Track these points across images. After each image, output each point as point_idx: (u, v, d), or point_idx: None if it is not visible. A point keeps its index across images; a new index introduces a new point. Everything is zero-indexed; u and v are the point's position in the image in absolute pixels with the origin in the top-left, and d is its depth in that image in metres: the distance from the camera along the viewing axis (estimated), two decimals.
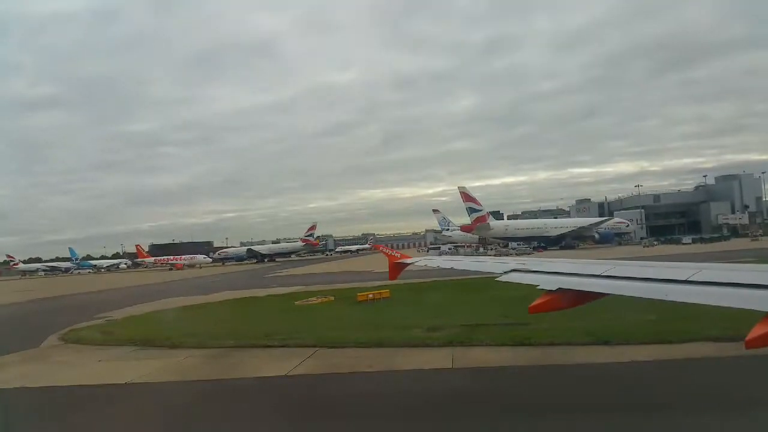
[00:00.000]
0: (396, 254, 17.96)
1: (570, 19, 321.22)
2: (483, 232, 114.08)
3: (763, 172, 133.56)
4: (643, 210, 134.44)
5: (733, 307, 5.40)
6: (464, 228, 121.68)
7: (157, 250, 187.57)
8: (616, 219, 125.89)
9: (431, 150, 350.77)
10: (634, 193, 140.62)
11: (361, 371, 15.00)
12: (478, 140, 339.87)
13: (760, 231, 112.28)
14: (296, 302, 32.70)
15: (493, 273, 10.33)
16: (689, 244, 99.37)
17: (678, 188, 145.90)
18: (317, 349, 18.25)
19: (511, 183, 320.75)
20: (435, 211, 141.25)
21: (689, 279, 6.40)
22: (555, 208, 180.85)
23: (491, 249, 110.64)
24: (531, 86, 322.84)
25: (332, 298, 33.95)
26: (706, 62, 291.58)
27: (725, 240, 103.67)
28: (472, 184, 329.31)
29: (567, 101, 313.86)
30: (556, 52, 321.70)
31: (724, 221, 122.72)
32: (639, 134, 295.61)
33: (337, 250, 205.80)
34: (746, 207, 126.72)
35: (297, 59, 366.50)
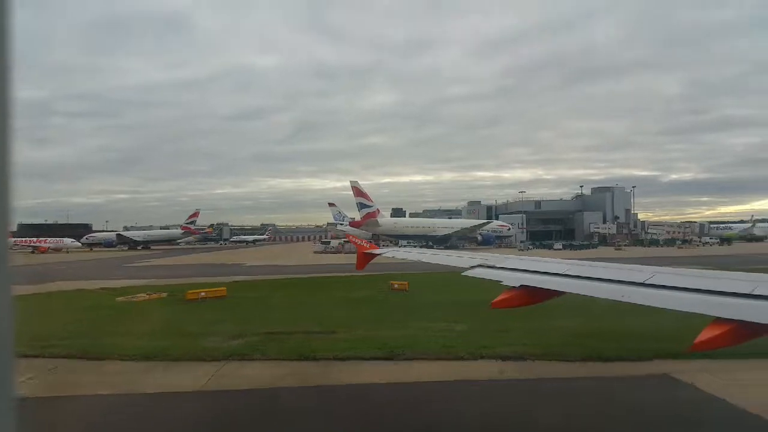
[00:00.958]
0: (365, 244, 17.86)
1: (486, 29, 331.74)
2: (371, 228, 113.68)
3: (633, 187, 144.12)
4: (524, 215, 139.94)
5: (683, 311, 5.51)
6: (353, 224, 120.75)
7: (27, 230, 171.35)
8: (498, 222, 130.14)
9: (345, 143, 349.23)
10: (518, 199, 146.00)
11: (74, 394, 13.13)
12: (392, 137, 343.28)
13: (626, 241, 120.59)
14: (119, 299, 29.91)
15: (458, 267, 10.38)
16: (560, 249, 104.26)
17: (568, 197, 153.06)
18: (65, 360, 16.28)
19: (418, 182, 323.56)
20: (331, 204, 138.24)
21: (645, 282, 6.62)
22: (454, 208, 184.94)
23: (382, 245, 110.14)
24: (445, 89, 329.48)
25: (164, 294, 31.49)
26: (603, 81, 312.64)
27: (593, 248, 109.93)
28: (381, 180, 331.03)
29: (476, 107, 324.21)
30: (470, 59, 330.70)
31: (596, 230, 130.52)
32: (538, 143, 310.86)
33: (232, 239, 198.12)
34: (616, 218, 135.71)
35: (215, 38, 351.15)
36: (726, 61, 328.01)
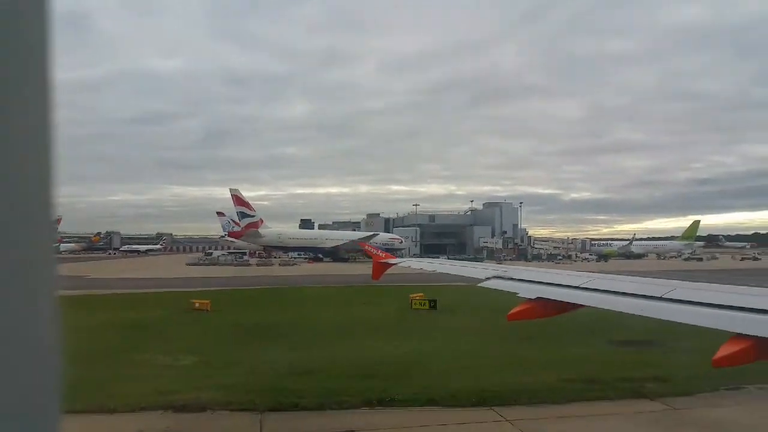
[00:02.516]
0: (380, 254, 17.69)
1: (400, 46, 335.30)
2: (253, 238, 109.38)
3: (520, 203, 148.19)
4: (418, 228, 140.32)
5: (703, 326, 5.56)
6: (233, 234, 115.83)
7: None
8: (389, 235, 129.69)
9: (257, 152, 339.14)
10: (413, 212, 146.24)
11: None
12: (307, 148, 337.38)
13: (513, 255, 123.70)
14: None
15: (475, 278, 10.42)
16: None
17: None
18: None
19: (334, 193, 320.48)
20: (219, 213, 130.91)
21: (663, 296, 6.58)
22: (357, 221, 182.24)
23: (276, 257, 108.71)
24: (361, 102, 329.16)
25: None
26: (509, 102, 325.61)
27: (478, 261, 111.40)
28: (296, 191, 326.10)
29: (392, 121, 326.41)
30: (385, 74, 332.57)
31: (484, 244, 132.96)
32: (451, 160, 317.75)
33: (122, 249, 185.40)
34: (504, 232, 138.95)
35: (114, 39, 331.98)
36: (622, 89, 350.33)
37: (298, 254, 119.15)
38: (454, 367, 18.17)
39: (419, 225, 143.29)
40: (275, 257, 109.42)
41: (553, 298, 7.65)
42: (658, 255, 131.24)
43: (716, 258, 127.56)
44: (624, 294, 7.23)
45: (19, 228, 1.18)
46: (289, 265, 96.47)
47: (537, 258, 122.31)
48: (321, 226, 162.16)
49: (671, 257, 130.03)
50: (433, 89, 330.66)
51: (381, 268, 15.65)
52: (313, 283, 55.78)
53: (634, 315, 6.63)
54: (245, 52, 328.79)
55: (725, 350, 4.99)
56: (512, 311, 7.64)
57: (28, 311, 1.19)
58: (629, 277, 9.02)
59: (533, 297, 7.78)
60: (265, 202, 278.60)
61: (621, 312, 6.81)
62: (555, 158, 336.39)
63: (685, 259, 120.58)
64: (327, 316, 30.36)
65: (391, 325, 27.63)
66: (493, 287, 9.37)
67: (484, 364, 18.65)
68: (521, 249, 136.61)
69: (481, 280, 9.98)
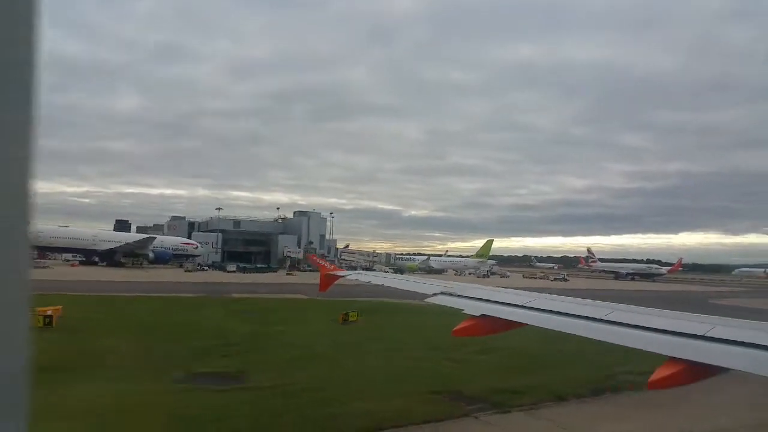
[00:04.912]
0: (328, 266, 19.28)
1: (246, 50, 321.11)
2: None
3: (330, 213, 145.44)
4: (220, 234, 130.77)
5: (639, 349, 5.91)
6: None
7: None
8: (182, 239, 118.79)
9: (81, 144, 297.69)
10: (216, 216, 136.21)
11: None
12: (139, 145, 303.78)
13: (309, 267, 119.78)
14: None
15: (421, 294, 10.60)
16: (233, 272, 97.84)
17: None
18: None
19: (168, 195, 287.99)
20: None
21: (603, 318, 6.86)
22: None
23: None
24: (201, 102, 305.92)
25: None
26: (355, 119, 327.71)
27: (272, 271, 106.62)
28: (125, 190, 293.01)
29: (235, 125, 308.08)
30: (227, 76, 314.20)
31: (288, 254, 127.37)
32: (297, 169, 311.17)
33: None
34: (310, 242, 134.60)
35: None
36: (460, 116, 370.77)
37: (73, 256, 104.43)
38: None
39: (222, 231, 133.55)
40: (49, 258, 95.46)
41: (496, 316, 7.77)
42: (456, 271, 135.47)
43: (507, 275, 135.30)
44: (566, 314, 7.39)
45: None
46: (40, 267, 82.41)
47: (350, 269, 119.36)
48: (140, 229, 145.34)
49: (469, 273, 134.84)
50: (279, 97, 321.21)
51: (328, 280, 15.51)
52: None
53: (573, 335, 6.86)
54: (75, 39, 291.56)
55: (660, 373, 5.23)
56: (457, 327, 7.84)
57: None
58: (570, 297, 9.04)
59: (478, 314, 7.85)
60: (87, 200, 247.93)
61: (563, 332, 6.95)
62: (397, 176, 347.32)
63: (483, 276, 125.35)
64: None
65: None
66: (439, 303, 9.61)
67: None
68: (328, 260, 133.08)
69: (428, 296, 10.10)
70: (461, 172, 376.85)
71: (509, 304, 8.25)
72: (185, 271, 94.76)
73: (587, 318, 7.01)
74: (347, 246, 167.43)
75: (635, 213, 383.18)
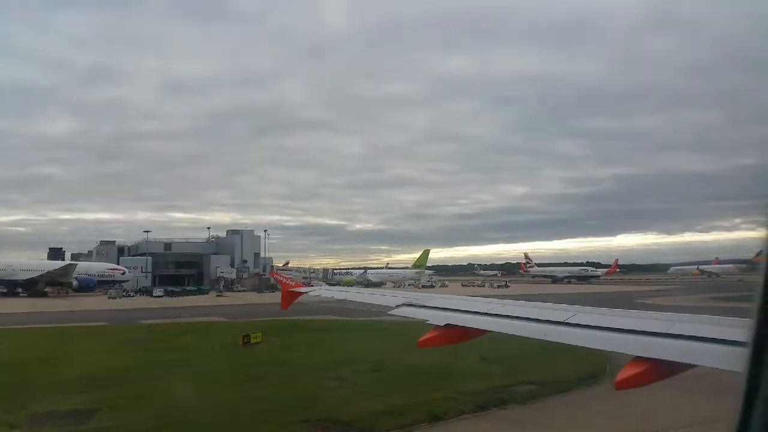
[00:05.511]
0: (290, 282, 17.75)
1: (179, 67, 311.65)
2: None
3: (265, 230, 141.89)
4: (149, 258, 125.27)
5: (604, 350, 6.07)
6: None
7: None
8: (108, 265, 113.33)
9: (10, 171, 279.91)
10: (145, 239, 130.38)
11: None
12: (71, 169, 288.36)
13: (244, 287, 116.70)
14: None
15: (385, 306, 10.52)
16: (160, 296, 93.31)
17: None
18: None
19: (106, 220, 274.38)
20: None
21: (567, 321, 6.83)
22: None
23: None
24: (134, 123, 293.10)
25: None
26: (294, 134, 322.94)
27: (203, 293, 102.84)
28: (61, 217, 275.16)
29: (171, 146, 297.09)
30: (160, 96, 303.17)
31: (221, 274, 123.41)
32: (237, 187, 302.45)
33: None
34: (244, 261, 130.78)
35: None
36: (399, 128, 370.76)
37: None
38: None
39: (152, 254, 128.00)
40: None
41: (461, 324, 7.75)
42: (394, 283, 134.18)
43: (446, 285, 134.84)
44: (529, 319, 7.33)
45: None
46: None
47: (271, 288, 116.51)
48: (74, 256, 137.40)
49: (409, 285, 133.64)
50: (216, 116, 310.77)
51: (291, 296, 15.21)
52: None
53: (534, 339, 6.79)
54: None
55: (626, 372, 5.21)
56: (422, 338, 7.66)
57: None
58: (533, 302, 8.94)
59: (442, 324, 7.79)
60: (22, 229, 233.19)
61: (527, 337, 6.95)
62: (340, 190, 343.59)
63: (428, 286, 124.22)
64: None
65: None
66: (403, 315, 9.44)
67: None
68: (264, 278, 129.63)
69: (392, 308, 9.94)
70: (403, 185, 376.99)
71: (473, 312, 8.22)
72: (108, 298, 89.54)
73: (551, 322, 6.95)
74: (287, 263, 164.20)
75: (574, 217, 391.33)
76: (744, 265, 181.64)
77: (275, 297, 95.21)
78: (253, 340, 32.27)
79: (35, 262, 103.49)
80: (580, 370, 24.31)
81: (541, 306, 8.28)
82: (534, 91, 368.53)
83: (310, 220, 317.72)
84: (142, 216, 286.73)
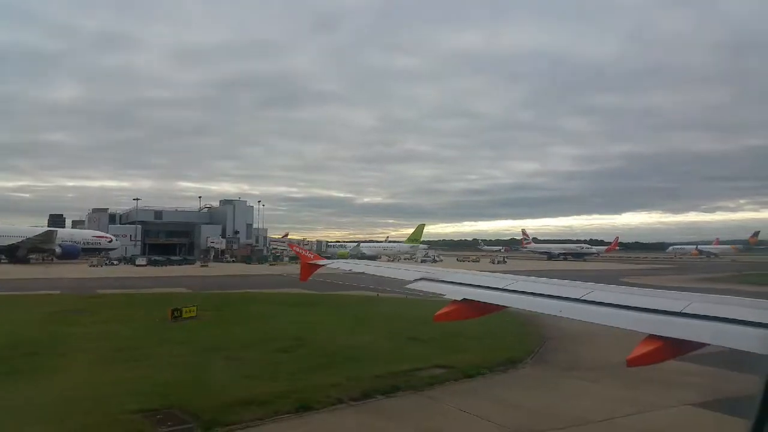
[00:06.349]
0: (309, 255, 18.65)
1: (189, 35, 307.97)
2: None
3: (259, 201, 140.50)
4: (139, 226, 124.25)
5: (619, 328, 5.92)
6: None
7: None
8: (93, 232, 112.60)
9: (16, 136, 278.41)
10: (136, 207, 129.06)
11: None
12: (78, 136, 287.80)
13: (233, 258, 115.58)
14: None
15: (402, 280, 10.53)
16: (143, 265, 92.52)
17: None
18: None
19: (111, 187, 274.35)
20: None
21: (582, 298, 6.93)
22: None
23: None
24: (143, 91, 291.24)
25: None
26: (304, 107, 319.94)
27: (188, 263, 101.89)
28: (66, 184, 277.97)
29: (178, 114, 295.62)
30: (169, 64, 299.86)
31: (212, 244, 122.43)
32: (245, 158, 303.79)
33: None
34: (236, 232, 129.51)
35: None
36: (410, 102, 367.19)
37: None
38: None
39: (143, 222, 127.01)
40: None
41: (478, 299, 7.77)
42: (389, 257, 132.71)
43: (441, 260, 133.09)
44: (546, 296, 7.41)
45: None
46: None
47: (263, 260, 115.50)
48: (75, 223, 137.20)
49: (405, 259, 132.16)
50: (225, 85, 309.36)
51: (309, 269, 15.27)
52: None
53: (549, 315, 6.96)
54: (4, 25, 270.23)
55: (639, 350, 5.21)
56: (439, 312, 7.68)
57: None
58: (551, 279, 8.91)
59: (459, 298, 7.87)
60: (26, 195, 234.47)
61: (543, 313, 7.12)
62: (349, 164, 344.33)
63: (422, 261, 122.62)
64: None
65: None
66: (420, 289, 9.56)
67: None
68: (257, 250, 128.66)
69: (409, 282, 10.01)
70: (413, 159, 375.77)
71: (490, 288, 8.22)
72: (90, 266, 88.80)
73: (567, 299, 7.04)
74: (286, 234, 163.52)
75: (581, 195, 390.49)
76: (741, 246, 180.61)
77: (262, 269, 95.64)
78: (185, 315, 30.66)
79: (15, 228, 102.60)
80: (509, 353, 22.67)
81: (558, 283, 8.31)
82: (544, 67, 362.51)
83: (318, 192, 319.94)
84: (148, 184, 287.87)
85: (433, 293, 9.05)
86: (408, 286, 10.01)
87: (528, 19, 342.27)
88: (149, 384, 16.77)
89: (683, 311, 5.72)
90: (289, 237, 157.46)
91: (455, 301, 7.89)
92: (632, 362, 5.20)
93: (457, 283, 8.98)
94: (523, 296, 7.72)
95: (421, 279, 9.95)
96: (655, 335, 5.35)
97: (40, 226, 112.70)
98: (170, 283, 57.00)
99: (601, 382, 19.18)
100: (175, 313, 30.31)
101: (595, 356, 23.71)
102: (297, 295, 44.91)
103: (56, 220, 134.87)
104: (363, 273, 13.57)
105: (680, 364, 19.86)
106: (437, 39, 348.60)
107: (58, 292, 46.51)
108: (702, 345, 5.23)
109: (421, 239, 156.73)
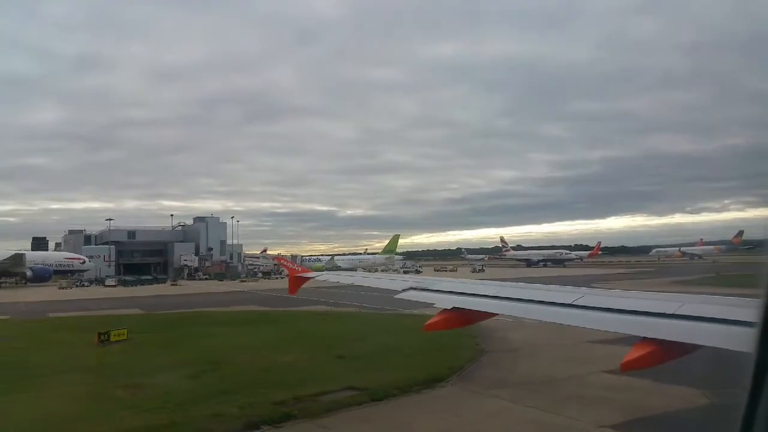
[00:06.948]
0: (296, 268, 18.75)
1: (167, 53, 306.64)
2: None
3: (232, 217, 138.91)
4: (113, 246, 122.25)
5: (611, 331, 5.93)
6: None
7: None
8: (65, 254, 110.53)
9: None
10: (108, 228, 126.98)
11: None
12: (60, 159, 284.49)
13: (207, 275, 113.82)
14: None
15: (390, 290, 10.49)
16: (112, 286, 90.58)
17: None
18: None
19: (95, 209, 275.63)
20: None
21: (573, 303, 6.72)
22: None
23: None
24: (122, 111, 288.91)
25: None
26: (284, 121, 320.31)
27: (160, 282, 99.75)
28: (51, 206, 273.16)
29: (158, 133, 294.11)
30: (147, 83, 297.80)
31: (185, 262, 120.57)
32: (227, 175, 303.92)
33: None
34: (210, 249, 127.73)
35: None
36: (390, 114, 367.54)
37: None
38: None
39: (116, 242, 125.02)
40: None
41: (468, 307, 7.71)
42: (365, 269, 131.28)
43: (420, 271, 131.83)
44: (537, 302, 7.27)
45: None
46: None
47: (253, 275, 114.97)
48: (58, 245, 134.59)
49: (381, 270, 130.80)
50: (204, 103, 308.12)
51: (297, 282, 15.23)
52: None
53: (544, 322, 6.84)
54: None
55: (633, 354, 5.15)
56: (429, 321, 7.71)
57: None
58: (540, 285, 8.84)
59: (449, 307, 7.80)
60: (13, 219, 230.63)
61: (534, 320, 7.21)
62: (331, 176, 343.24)
63: (405, 272, 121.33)
64: None
65: None
66: (410, 299, 9.53)
67: None
68: (231, 266, 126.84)
69: (398, 292, 9.92)
70: (395, 170, 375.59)
71: (480, 295, 8.12)
72: (59, 288, 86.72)
73: (559, 304, 6.90)
74: (264, 251, 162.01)
75: (563, 201, 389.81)
76: (724, 246, 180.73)
77: (232, 285, 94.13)
78: (113, 338, 29.27)
79: None
80: (435, 370, 21.50)
81: (547, 288, 8.19)
82: (520, 75, 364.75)
83: (301, 206, 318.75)
84: (132, 204, 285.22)
85: (423, 302, 9.10)
86: (397, 296, 9.99)
87: (505, 28, 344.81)
88: (22, 417, 15.51)
89: (676, 313, 5.62)
90: (267, 252, 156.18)
91: (445, 310, 7.87)
92: (626, 366, 5.21)
93: (446, 291, 8.95)
94: (513, 303, 7.62)
95: (410, 289, 9.94)
96: (648, 338, 5.28)
97: (25, 249, 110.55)
98: (128, 304, 55.46)
99: (520, 402, 18.00)
100: (102, 337, 28.93)
101: (529, 371, 22.67)
102: (248, 313, 43.69)
103: (39, 243, 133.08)
104: (352, 284, 13.63)
105: (620, 378, 19.06)
106: (415, 50, 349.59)
107: (8, 317, 44.76)
108: (697, 347, 5.15)
109: (398, 250, 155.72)
